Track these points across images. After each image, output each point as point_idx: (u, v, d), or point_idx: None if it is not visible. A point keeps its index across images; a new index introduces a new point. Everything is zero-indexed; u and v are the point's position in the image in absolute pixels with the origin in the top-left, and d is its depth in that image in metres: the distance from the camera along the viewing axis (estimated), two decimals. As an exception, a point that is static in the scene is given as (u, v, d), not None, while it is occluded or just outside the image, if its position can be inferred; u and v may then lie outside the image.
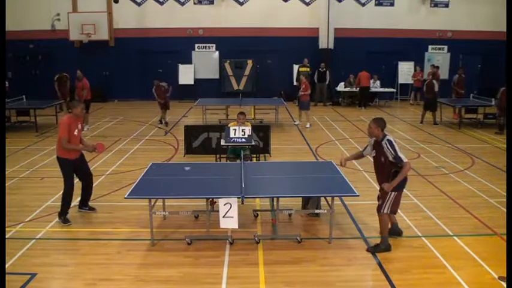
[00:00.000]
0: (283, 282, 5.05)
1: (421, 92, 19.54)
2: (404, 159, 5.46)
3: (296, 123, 14.73)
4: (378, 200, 5.85)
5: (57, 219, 6.69)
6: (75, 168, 6.79)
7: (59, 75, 16.73)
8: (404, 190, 7.81)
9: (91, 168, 7.26)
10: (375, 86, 18.95)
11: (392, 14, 19.77)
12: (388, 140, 5.55)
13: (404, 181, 5.63)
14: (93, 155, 8.70)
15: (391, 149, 5.47)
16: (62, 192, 6.73)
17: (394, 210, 5.75)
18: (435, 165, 9.75)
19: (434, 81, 14.74)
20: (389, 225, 6.03)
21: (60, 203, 6.67)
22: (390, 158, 5.49)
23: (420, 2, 20.01)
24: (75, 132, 6.68)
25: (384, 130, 5.68)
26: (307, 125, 14.08)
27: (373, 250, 5.75)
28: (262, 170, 7.17)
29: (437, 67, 17.05)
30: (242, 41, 19.44)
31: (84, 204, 7.10)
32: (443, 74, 19.40)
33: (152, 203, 5.88)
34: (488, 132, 13.36)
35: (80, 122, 6.87)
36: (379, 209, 5.73)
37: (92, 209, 7.12)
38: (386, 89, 19.46)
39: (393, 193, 5.60)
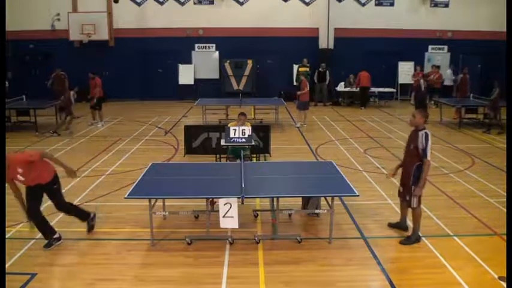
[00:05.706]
0: (283, 282, 5.04)
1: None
2: (428, 157, 5.75)
3: (297, 125, 14.31)
4: (399, 195, 6.24)
5: (47, 248, 5.80)
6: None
7: (55, 74, 16.72)
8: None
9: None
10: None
11: (392, 14, 19.74)
12: (426, 132, 5.82)
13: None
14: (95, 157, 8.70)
15: (424, 141, 5.74)
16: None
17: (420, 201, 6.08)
18: (435, 165, 9.74)
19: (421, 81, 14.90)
20: (400, 219, 6.40)
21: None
22: (419, 148, 5.75)
23: (420, 2, 20.00)
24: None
25: (426, 121, 6.08)
26: (298, 124, 14.03)
27: (405, 242, 6.00)
28: (262, 170, 7.16)
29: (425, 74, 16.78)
30: (242, 41, 19.42)
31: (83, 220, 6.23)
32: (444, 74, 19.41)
33: (152, 203, 5.88)
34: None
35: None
36: (409, 205, 6.05)
37: (92, 222, 6.29)
38: (386, 89, 19.47)
39: (415, 187, 5.94)
